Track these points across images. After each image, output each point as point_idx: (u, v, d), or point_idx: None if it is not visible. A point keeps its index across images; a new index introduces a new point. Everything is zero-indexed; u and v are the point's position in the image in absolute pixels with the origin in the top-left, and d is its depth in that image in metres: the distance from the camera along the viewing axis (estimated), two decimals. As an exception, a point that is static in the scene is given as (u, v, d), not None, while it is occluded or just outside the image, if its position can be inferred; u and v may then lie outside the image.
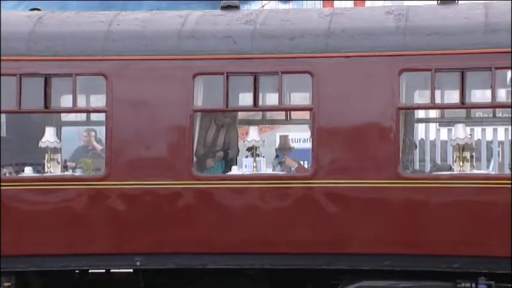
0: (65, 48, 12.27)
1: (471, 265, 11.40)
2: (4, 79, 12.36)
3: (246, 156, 12.41)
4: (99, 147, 14.55)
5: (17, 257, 11.92)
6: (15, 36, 12.46)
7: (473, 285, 11.38)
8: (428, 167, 14.34)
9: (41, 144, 12.20)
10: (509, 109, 12.57)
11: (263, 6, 16.10)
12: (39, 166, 12.36)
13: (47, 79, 12.04)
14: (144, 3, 16.14)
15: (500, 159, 13.93)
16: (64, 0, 16.92)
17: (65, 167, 12.58)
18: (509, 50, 11.65)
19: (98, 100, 12.74)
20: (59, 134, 12.90)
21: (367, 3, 15.94)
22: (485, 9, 12.07)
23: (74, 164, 13.09)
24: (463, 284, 11.39)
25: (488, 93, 11.75)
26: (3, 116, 13.08)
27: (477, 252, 11.35)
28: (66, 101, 12.71)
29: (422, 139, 14.51)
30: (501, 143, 14.13)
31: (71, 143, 14.01)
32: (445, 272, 11.45)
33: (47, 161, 12.19)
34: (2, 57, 12.41)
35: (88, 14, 13.71)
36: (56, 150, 12.26)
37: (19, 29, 12.59)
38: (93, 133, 15.02)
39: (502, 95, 12.51)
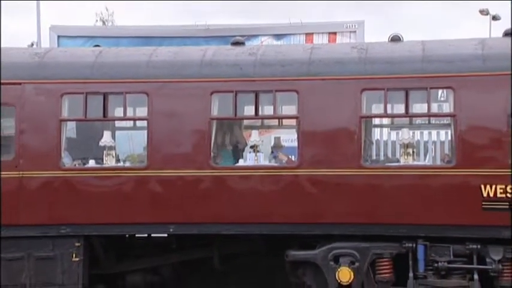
0: (118, 73, 12.49)
1: (413, 230, 11.63)
2: (73, 96, 12.46)
3: (250, 152, 12.69)
4: None
5: (84, 225, 12.25)
6: (83, 65, 12.70)
7: (414, 245, 11.60)
8: (381, 159, 14.16)
9: (101, 144, 12.53)
10: (440, 118, 12.78)
11: (262, 42, 16.12)
12: (99, 159, 12.61)
13: (105, 96, 12.27)
14: (174, 40, 16.21)
15: (433, 154, 13.69)
16: (117, 39, 16.92)
17: (117, 160, 12.78)
18: (441, 75, 11.83)
19: (142, 111, 12.83)
20: (113, 136, 13.10)
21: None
22: (423, 45, 12.30)
23: (124, 158, 13.26)
24: (406, 244, 11.60)
25: (425, 106, 11.99)
26: (73, 123, 13.21)
27: (417, 221, 11.64)
28: (118, 111, 12.89)
29: (377, 139, 14.31)
30: (434, 142, 13.96)
31: (122, 142, 14.02)
32: (394, 235, 11.71)
33: (105, 156, 12.49)
34: (72, 80, 12.50)
35: (134, 49, 13.99)
36: (111, 148, 12.56)
37: (85, 60, 12.82)
38: None
39: (434, 107, 12.61)
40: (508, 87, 11.42)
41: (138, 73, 12.43)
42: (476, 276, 11.48)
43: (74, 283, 12.20)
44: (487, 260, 11.50)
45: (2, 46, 13.41)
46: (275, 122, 13.92)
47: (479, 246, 11.44)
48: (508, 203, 11.31)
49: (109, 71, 12.54)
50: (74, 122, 13.17)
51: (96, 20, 26.86)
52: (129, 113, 12.88)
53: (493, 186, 11.35)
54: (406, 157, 12.04)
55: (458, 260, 11.61)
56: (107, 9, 27.72)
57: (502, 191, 11.31)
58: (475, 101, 11.55)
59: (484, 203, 11.35)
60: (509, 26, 12.64)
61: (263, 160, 12.58)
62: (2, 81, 12.42)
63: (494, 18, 31.47)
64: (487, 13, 31.77)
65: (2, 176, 12.24)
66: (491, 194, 11.35)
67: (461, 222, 11.47)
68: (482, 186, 11.37)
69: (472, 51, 11.88)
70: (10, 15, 50.06)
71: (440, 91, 12.48)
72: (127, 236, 13.21)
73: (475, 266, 11.49)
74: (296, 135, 12.21)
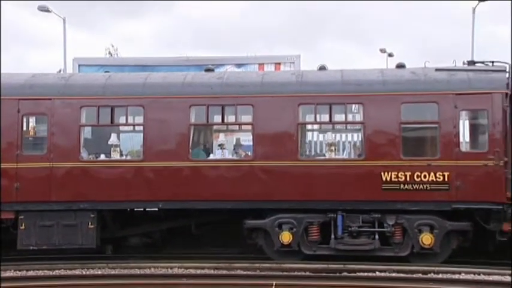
0: (122, 91, 12.84)
1: (334, 205, 12.28)
2: (89, 108, 12.71)
3: (218, 149, 13.28)
4: None
5: (97, 202, 12.62)
6: (96, 85, 13.02)
7: (335, 215, 12.25)
8: (313, 154, 14.28)
9: (109, 142, 13.03)
10: (353, 125, 13.16)
11: (227, 69, 15.54)
12: (108, 154, 13.01)
13: (112, 108, 12.70)
14: (163, 68, 15.68)
15: (349, 151, 13.59)
16: (121, 67, 16.35)
17: (121, 154, 13.11)
18: (354, 94, 12.26)
19: (139, 119, 13.00)
20: (118, 137, 13.28)
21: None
22: (342, 73, 12.86)
23: (126, 153, 13.46)
24: (330, 215, 12.29)
25: (343, 116, 12.59)
26: (89, 127, 13.30)
27: (337, 198, 12.24)
28: (122, 119, 13.14)
29: (310, 140, 14.24)
30: (349, 142, 13.92)
31: (125, 142, 13.86)
32: (321, 208, 12.32)
33: (112, 151, 12.99)
34: (88, 97, 12.70)
35: (134, 74, 14.25)
36: (117, 146, 13.01)
37: (98, 82, 13.12)
38: None
39: (350, 117, 12.86)
40: (399, 104, 12.09)
41: (137, 91, 12.79)
42: (377, 237, 12.26)
43: (90, 243, 12.58)
44: (385, 224, 12.25)
45: (38, 72, 13.61)
46: (236, 127, 14.00)
47: (379, 215, 12.24)
48: (397, 185, 11.99)
49: (115, 90, 12.88)
50: (90, 127, 13.38)
51: (106, 53, 27.31)
52: (130, 120, 13.16)
53: (389, 173, 12.03)
54: (330, 152, 12.72)
55: (365, 225, 12.33)
56: (112, 46, 28.31)
57: (395, 176, 12.02)
58: (377, 113, 12.23)
59: (383, 185, 12.06)
60: (400, 61, 13.23)
61: (228, 155, 13.06)
62: (39, 96, 12.68)
63: (390, 55, 32.74)
64: (385, 51, 32.97)
65: (37, 166, 12.49)
66: (388, 179, 12.04)
67: (368, 198, 12.17)
68: (382, 173, 12.06)
69: (375, 78, 12.54)
70: (45, 50, 51.91)
71: (353, 105, 12.83)
72: (128, 209, 13.54)
73: (376, 229, 12.29)
74: (251, 137, 12.65)
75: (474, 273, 11.22)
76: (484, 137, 12.07)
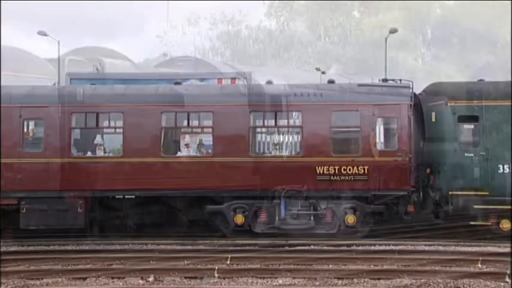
0: (105, 100, 13.43)
1: (275, 193, 12.97)
2: (79, 114, 13.25)
3: (184, 148, 13.71)
4: None
5: (85, 190, 13.21)
6: (84, 95, 13.51)
7: (279, 201, 13.05)
8: (261, 152, 14.32)
9: (95, 142, 13.66)
10: (294, 128, 13.52)
11: (192, 83, 14.73)
12: (94, 151, 13.56)
13: (97, 114, 13.38)
14: (139, 81, 15.02)
15: (291, 149, 13.73)
16: (105, 80, 15.76)
17: (105, 152, 13.65)
18: (295, 104, 12.89)
19: (119, 123, 13.45)
20: (102, 138, 13.77)
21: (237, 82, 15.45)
22: (285, 86, 13.69)
23: (109, 150, 13.86)
24: (275, 201, 13.06)
25: (286, 121, 13.44)
26: (78, 130, 13.77)
27: (281, 187, 12.96)
28: (105, 123, 13.73)
29: (259, 140, 14.22)
30: (291, 142, 13.74)
31: (107, 141, 13.88)
32: (268, 195, 13.02)
33: (97, 149, 13.59)
34: (78, 104, 13.16)
35: (115, 86, 14.50)
36: (101, 145, 13.65)
37: (86, 93, 13.61)
38: None
39: (291, 122, 13.43)
40: (330, 112, 13.05)
41: (118, 100, 13.40)
42: (312, 218, 13.29)
43: (79, 224, 13.26)
44: (318, 208, 13.27)
45: (38, 85, 14.22)
46: (199, 130, 14.05)
47: (314, 201, 13.25)
48: (328, 176, 13.01)
49: (100, 99, 13.49)
50: (79, 129, 13.90)
51: (93, 69, 28.47)
52: (112, 124, 13.76)
53: (322, 167, 13.02)
54: (275, 151, 13.48)
55: (303, 208, 13.23)
56: (100, 64, 29.45)
57: (326, 170, 13.02)
58: (313, 119, 13.18)
59: (317, 176, 13.03)
60: (331, 78, 14.36)
61: (192, 152, 13.57)
62: (37, 104, 13.25)
63: (323, 73, 34.53)
64: (319, 69, 35.16)
65: (35, 161, 13.08)
66: (321, 172, 13.02)
67: (305, 188, 12.99)
68: (317, 167, 13.02)
69: (311, 91, 13.50)
70: (39, 66, 53.43)
71: (294, 113, 13.54)
72: (110, 197, 13.80)
73: (311, 212, 13.30)
74: (211, 138, 13.31)
75: (385, 244, 12.69)
76: (395, 139, 13.37)
